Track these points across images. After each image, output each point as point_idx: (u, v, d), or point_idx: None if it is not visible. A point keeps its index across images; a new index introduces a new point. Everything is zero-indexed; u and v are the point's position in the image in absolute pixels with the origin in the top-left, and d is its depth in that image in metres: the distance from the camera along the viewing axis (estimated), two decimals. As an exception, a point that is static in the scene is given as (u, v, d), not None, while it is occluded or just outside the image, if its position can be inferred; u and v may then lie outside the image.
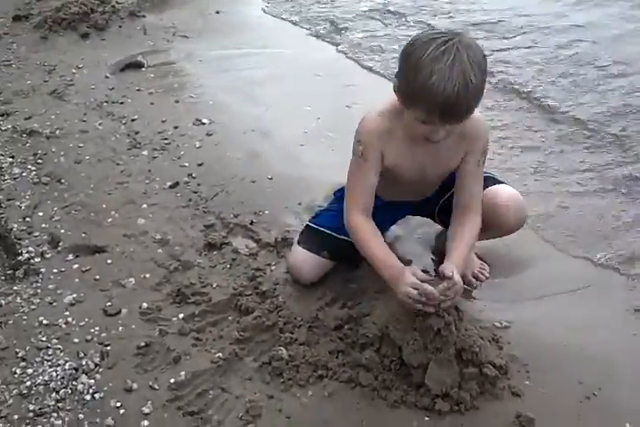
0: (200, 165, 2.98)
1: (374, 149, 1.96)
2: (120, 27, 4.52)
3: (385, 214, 2.19)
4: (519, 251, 2.45)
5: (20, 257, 2.40)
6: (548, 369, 1.91)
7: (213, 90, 3.71)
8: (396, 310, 1.80)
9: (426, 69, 1.67)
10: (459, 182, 2.05)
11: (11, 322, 2.14)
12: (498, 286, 2.31)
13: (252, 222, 2.58)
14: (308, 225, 2.30)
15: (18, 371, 1.97)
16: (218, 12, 4.93)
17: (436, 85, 1.66)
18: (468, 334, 1.78)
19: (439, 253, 2.34)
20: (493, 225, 2.09)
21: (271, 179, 2.85)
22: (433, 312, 1.74)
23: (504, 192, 2.14)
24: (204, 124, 3.33)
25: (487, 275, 2.34)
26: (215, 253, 2.44)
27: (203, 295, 2.22)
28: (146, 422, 1.82)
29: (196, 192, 2.79)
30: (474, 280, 2.30)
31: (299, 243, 2.27)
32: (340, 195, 2.25)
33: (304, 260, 2.23)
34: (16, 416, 1.83)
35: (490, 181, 2.17)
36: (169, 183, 2.84)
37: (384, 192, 2.12)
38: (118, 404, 1.87)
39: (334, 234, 2.21)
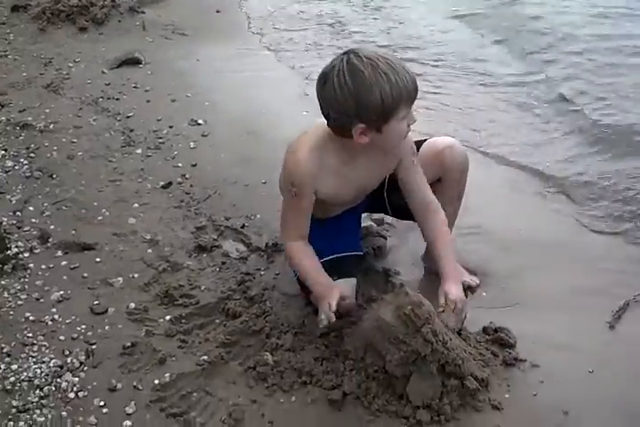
0: (194, 165, 2.99)
1: (308, 188, 1.98)
2: (119, 21, 4.54)
3: (340, 225, 2.23)
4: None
5: (9, 251, 2.41)
6: (529, 384, 1.93)
7: (210, 90, 3.73)
8: (382, 322, 1.81)
9: (378, 79, 1.76)
10: (404, 186, 2.13)
11: (-3, 316, 2.15)
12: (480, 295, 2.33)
13: (243, 226, 2.60)
14: None
15: (2, 366, 1.97)
16: (218, 11, 4.96)
17: (399, 79, 1.77)
18: (451, 347, 1.80)
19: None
20: (441, 171, 2.20)
21: (265, 183, 2.86)
22: (420, 336, 1.76)
23: (442, 139, 2.24)
24: (199, 124, 3.35)
25: (478, 281, 2.35)
26: (205, 255, 2.45)
27: (191, 298, 2.23)
28: (129, 422, 1.82)
29: (188, 193, 2.80)
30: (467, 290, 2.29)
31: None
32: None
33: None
34: (-1, 411, 1.84)
35: (417, 141, 2.21)
36: (161, 183, 2.85)
37: (327, 212, 2.18)
38: (102, 403, 1.88)
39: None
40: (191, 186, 2.86)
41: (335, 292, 1.93)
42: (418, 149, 2.18)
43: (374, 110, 1.81)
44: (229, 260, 2.43)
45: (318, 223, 2.15)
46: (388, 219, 2.60)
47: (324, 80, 1.84)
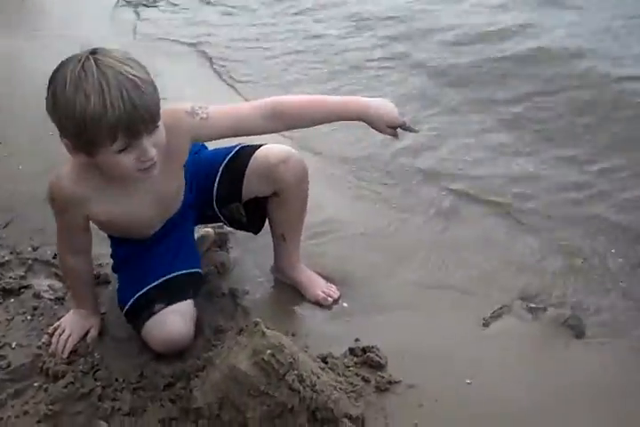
0: (-15, 185, 2.52)
1: (70, 213, 1.76)
2: None
3: (169, 243, 1.94)
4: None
5: None
6: (408, 411, 1.73)
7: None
8: (238, 372, 1.52)
9: (77, 102, 1.46)
10: (229, 135, 1.84)
11: None
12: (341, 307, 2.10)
13: (55, 256, 2.18)
14: (133, 303, 1.89)
15: None
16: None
17: (102, 108, 1.45)
18: (320, 389, 1.55)
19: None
20: (277, 187, 1.95)
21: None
22: (284, 385, 1.49)
23: (275, 151, 1.95)
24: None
25: (337, 293, 2.11)
26: (12, 300, 2.03)
27: (-1, 359, 1.83)
28: None
29: (-18, 222, 2.34)
30: (328, 299, 2.08)
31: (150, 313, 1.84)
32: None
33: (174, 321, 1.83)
34: None
35: (247, 149, 1.98)
36: (-54, 211, 2.36)
37: (143, 231, 1.90)
38: None
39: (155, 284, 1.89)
40: (-15, 212, 2.39)
41: (84, 325, 1.89)
42: (248, 159, 1.94)
43: (72, 132, 1.53)
44: (43, 302, 2.02)
45: (141, 244, 1.89)
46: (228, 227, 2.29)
47: (54, 72, 1.53)
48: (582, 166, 2.71)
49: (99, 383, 1.75)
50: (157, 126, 1.57)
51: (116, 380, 1.76)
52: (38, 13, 4.45)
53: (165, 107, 1.62)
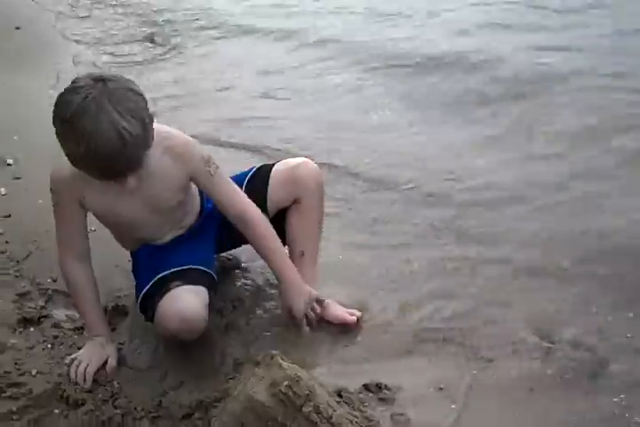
0: (7, 216, 2.59)
1: (68, 197, 1.88)
2: None
3: (175, 255, 2.02)
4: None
5: None
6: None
7: (17, 122, 3.29)
8: (256, 403, 1.58)
9: (71, 136, 1.63)
10: (214, 201, 2.03)
11: None
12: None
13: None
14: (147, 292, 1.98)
15: None
16: (18, 28, 4.47)
17: (85, 151, 1.61)
18: (337, 422, 1.60)
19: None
20: (297, 189, 2.11)
21: (95, 230, 2.51)
22: (301, 416, 1.55)
23: (294, 158, 2.21)
24: (9, 164, 2.93)
25: (358, 314, 2.12)
26: (33, 329, 2.09)
27: (20, 386, 1.87)
28: None
29: (3, 252, 2.41)
30: (351, 317, 2.11)
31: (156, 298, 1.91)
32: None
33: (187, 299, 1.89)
34: None
35: (266, 166, 2.19)
36: (-31, 242, 2.44)
37: (128, 241, 2.10)
38: None
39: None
40: (7, 242, 2.46)
41: (101, 355, 1.93)
42: (269, 172, 2.13)
43: (66, 155, 1.69)
44: (62, 332, 2.09)
45: (161, 246, 2.05)
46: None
47: (70, 85, 1.67)
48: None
49: (118, 411, 1.80)
50: (140, 168, 1.74)
51: (135, 409, 1.81)
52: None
53: (190, 133, 1.88)
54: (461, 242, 2.54)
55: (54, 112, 1.66)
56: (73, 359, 1.94)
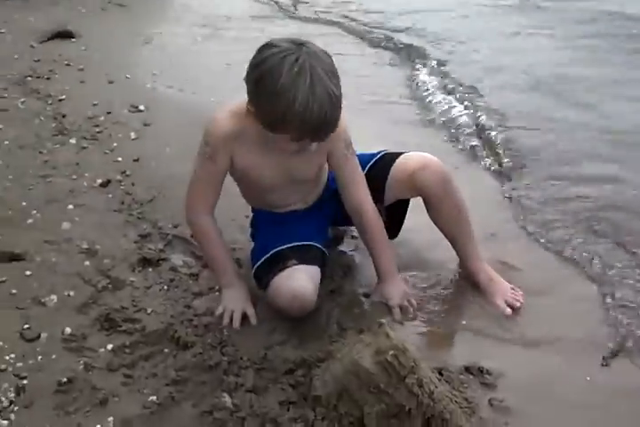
0: (135, 160, 2.71)
1: (223, 151, 1.92)
2: (48, -14, 4.11)
3: (293, 229, 2.06)
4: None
5: None
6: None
7: (153, 71, 3.40)
8: (360, 368, 1.61)
9: (286, 96, 1.66)
10: (337, 180, 2.05)
11: None
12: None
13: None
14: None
15: None
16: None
17: (303, 110, 1.66)
18: (438, 398, 1.61)
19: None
20: (418, 193, 2.09)
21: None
22: (404, 387, 1.56)
23: (415, 158, 2.10)
24: (140, 111, 3.05)
25: (522, 300, 2.11)
26: (151, 269, 2.19)
27: (135, 322, 1.97)
28: (63, 479, 1.58)
29: (129, 194, 2.52)
30: (508, 309, 2.08)
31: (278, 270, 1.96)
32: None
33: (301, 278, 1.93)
34: None
35: (390, 155, 2.14)
36: (99, 181, 2.56)
37: (255, 200, 2.15)
38: (33, 453, 1.62)
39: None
40: (133, 185, 2.58)
41: (245, 305, 1.98)
42: (390, 165, 2.08)
43: (259, 109, 1.75)
44: (178, 276, 2.17)
45: (281, 215, 2.10)
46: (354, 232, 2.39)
47: (268, 47, 1.72)
48: None
49: (225, 358, 1.86)
50: (332, 133, 1.78)
51: (241, 358, 1.87)
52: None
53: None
54: None
55: (260, 74, 1.70)
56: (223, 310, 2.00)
